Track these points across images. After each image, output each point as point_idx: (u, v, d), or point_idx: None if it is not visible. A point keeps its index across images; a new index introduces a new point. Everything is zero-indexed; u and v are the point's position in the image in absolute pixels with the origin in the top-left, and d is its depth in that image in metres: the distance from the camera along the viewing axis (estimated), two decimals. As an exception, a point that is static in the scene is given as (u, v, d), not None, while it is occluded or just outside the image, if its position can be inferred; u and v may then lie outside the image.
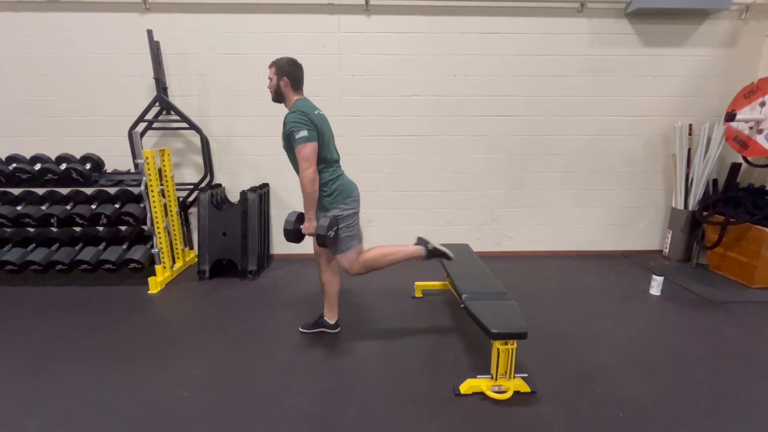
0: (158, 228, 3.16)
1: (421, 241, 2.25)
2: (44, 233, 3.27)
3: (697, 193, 3.51)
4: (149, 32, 3.13)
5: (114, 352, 2.29)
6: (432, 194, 3.76)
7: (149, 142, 3.54)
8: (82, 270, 3.11)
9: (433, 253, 2.24)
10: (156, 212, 3.13)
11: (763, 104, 2.97)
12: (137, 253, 3.13)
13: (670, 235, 3.70)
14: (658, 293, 3.02)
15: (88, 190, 3.25)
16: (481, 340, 2.38)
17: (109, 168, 3.33)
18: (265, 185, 3.62)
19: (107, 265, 3.10)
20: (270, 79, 2.07)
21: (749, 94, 3.08)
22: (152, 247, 3.20)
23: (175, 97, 3.43)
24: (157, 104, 3.30)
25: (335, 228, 2.07)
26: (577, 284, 3.26)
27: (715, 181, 3.62)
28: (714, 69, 3.51)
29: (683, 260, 3.69)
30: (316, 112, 2.03)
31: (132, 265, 3.11)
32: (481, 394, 1.90)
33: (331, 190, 2.07)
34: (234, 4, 3.28)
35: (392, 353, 2.29)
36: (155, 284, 3.11)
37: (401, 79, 3.47)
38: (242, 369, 2.14)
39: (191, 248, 3.80)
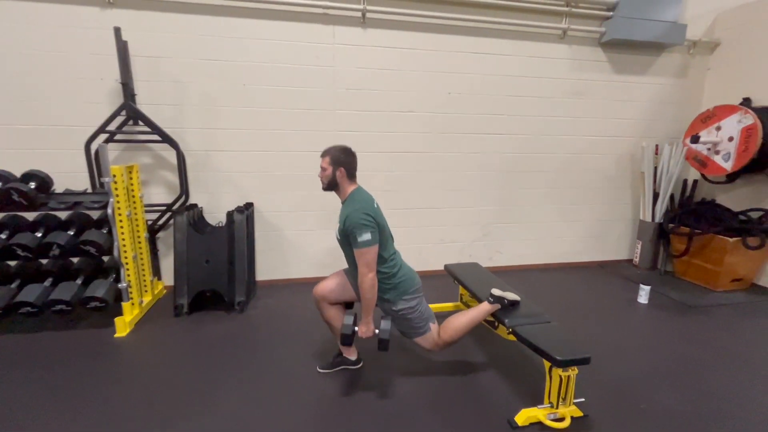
0: (126, 258, 2.68)
1: (497, 300, 2.13)
2: (-34, 270, 2.61)
3: (662, 206, 3.86)
4: (117, 30, 2.70)
5: (87, 419, 1.84)
6: (425, 211, 3.69)
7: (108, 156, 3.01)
8: (23, 314, 2.50)
9: (509, 306, 2.14)
10: (125, 239, 2.65)
11: (718, 128, 3.38)
12: (99, 289, 2.61)
13: (640, 246, 4.02)
14: (646, 301, 3.22)
15: (30, 215, 2.67)
16: (513, 365, 2.32)
17: (57, 187, 2.77)
18: (250, 205, 3.28)
19: (59, 306, 2.53)
20: (323, 168, 1.94)
21: (706, 119, 3.49)
22: (118, 280, 2.70)
23: (142, 105, 2.97)
24: (123, 113, 2.84)
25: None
26: (570, 296, 3.38)
27: (672, 196, 4.03)
28: (669, 96, 3.94)
29: (651, 268, 4.03)
30: (375, 206, 1.94)
31: (93, 303, 2.58)
32: (539, 424, 1.82)
33: (394, 284, 1.97)
34: (217, 5, 2.96)
35: (427, 387, 2.12)
36: (123, 325, 2.61)
37: (397, 94, 3.39)
38: (261, 422, 1.83)
39: (160, 278, 3.29)
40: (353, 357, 2.25)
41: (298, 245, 3.50)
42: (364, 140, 3.41)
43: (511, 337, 2.04)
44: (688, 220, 3.66)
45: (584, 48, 3.63)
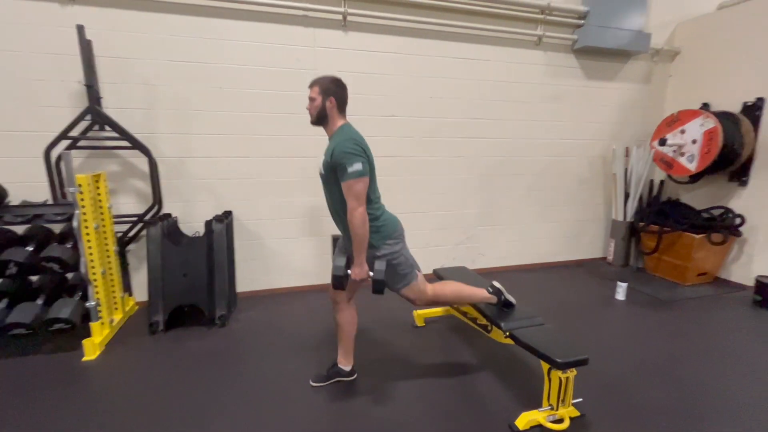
0: (95, 274, 2.47)
1: (496, 292, 2.14)
2: None
3: (633, 206, 4.04)
4: (80, 28, 2.50)
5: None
6: (409, 216, 3.66)
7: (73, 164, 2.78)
8: (-25, 340, 2.26)
9: (504, 305, 2.16)
10: (93, 254, 2.44)
11: (683, 132, 3.58)
12: (64, 309, 2.39)
13: (613, 244, 4.19)
14: (624, 298, 3.35)
15: (-19, 230, 2.41)
16: (506, 368, 2.33)
17: (12, 199, 2.51)
18: (229, 213, 3.13)
19: (17, 330, 2.30)
20: (312, 99, 1.82)
21: (671, 123, 3.69)
22: (85, 298, 2.49)
23: (109, 109, 2.78)
24: (88, 117, 2.63)
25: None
26: (552, 296, 3.45)
27: (641, 196, 4.23)
28: (636, 101, 4.15)
29: (624, 265, 4.20)
30: (365, 142, 1.83)
31: (57, 325, 2.37)
32: (539, 427, 1.82)
33: (377, 227, 1.84)
34: (191, 4, 2.82)
35: (424, 395, 2.09)
36: (93, 347, 2.41)
37: (379, 98, 3.36)
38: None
39: (131, 295, 3.07)
40: (348, 368, 2.18)
41: (280, 254, 3.38)
42: (346, 145, 3.34)
43: (508, 341, 2.04)
44: (657, 218, 3.85)
45: (558, 54, 3.75)
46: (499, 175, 3.85)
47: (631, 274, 3.99)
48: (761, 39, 3.41)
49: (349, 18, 3.12)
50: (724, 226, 3.48)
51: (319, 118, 1.84)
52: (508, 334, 1.96)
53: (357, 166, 1.68)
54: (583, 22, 3.65)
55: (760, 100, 3.39)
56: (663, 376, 2.27)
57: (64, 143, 2.65)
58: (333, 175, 1.76)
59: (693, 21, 3.95)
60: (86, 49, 2.54)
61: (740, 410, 1.99)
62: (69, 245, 2.47)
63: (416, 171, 3.59)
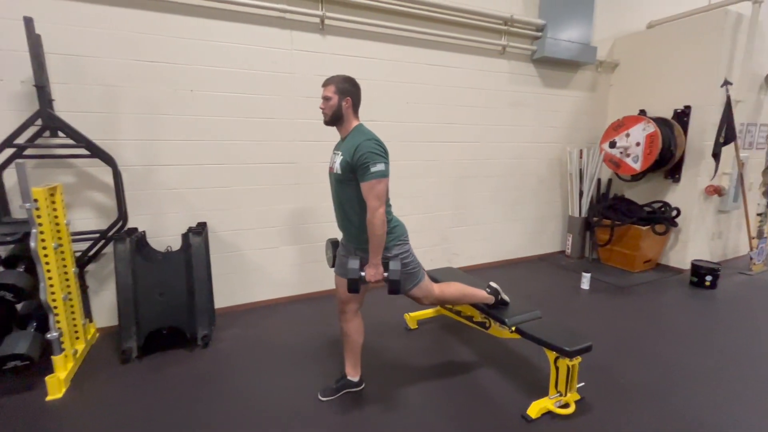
0: (55, 300, 2.17)
1: (493, 292, 2.24)
2: None
3: (587, 203, 4.44)
4: (28, 21, 2.18)
5: None
6: (389, 220, 3.69)
7: (12, 176, 2.41)
8: None
9: (499, 303, 2.26)
10: (52, 278, 2.14)
11: (628, 135, 4.01)
12: (20, 343, 2.07)
13: (571, 238, 4.56)
14: (588, 287, 3.66)
15: None
16: (505, 362, 2.44)
17: (-58, 218, 2.13)
18: (203, 225, 2.91)
19: (-42, 374, 1.95)
20: (327, 98, 1.77)
21: (618, 127, 4.11)
22: (42, 329, 2.17)
23: (61, 113, 2.46)
24: (38, 122, 2.30)
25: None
26: (524, 290, 3.67)
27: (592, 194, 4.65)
28: (584, 107, 4.56)
29: (580, 257, 4.59)
30: None
31: (12, 363, 2.04)
32: (549, 414, 1.94)
33: (390, 228, 1.83)
34: (161, 1, 2.59)
35: (433, 396, 2.12)
36: (58, 384, 2.11)
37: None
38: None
39: (91, 321, 2.73)
40: (356, 378, 2.14)
41: (259, 265, 3.22)
42: (325, 150, 3.26)
43: (509, 335, 2.15)
44: (608, 213, 4.27)
45: (520, 63, 4.01)
46: (469, 177, 4.02)
47: (587, 264, 4.36)
48: (684, 54, 3.94)
49: (327, 21, 3.07)
50: (665, 218, 3.95)
51: (335, 118, 1.81)
52: (513, 329, 2.06)
53: (380, 167, 1.67)
54: (540, 34, 3.94)
55: (688, 107, 3.91)
56: (636, 354, 2.52)
57: (8, 152, 2.29)
58: (351, 174, 1.73)
59: (628, 37, 4.44)
60: (35, 45, 2.23)
61: (698, 376, 2.28)
62: (21, 269, 2.15)
63: (395, 175, 3.59)
